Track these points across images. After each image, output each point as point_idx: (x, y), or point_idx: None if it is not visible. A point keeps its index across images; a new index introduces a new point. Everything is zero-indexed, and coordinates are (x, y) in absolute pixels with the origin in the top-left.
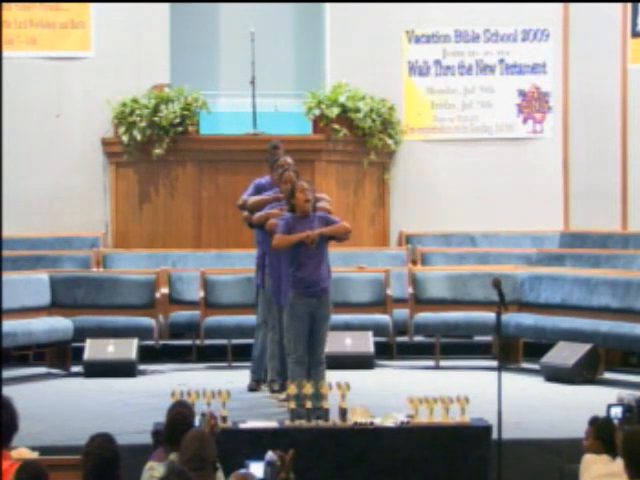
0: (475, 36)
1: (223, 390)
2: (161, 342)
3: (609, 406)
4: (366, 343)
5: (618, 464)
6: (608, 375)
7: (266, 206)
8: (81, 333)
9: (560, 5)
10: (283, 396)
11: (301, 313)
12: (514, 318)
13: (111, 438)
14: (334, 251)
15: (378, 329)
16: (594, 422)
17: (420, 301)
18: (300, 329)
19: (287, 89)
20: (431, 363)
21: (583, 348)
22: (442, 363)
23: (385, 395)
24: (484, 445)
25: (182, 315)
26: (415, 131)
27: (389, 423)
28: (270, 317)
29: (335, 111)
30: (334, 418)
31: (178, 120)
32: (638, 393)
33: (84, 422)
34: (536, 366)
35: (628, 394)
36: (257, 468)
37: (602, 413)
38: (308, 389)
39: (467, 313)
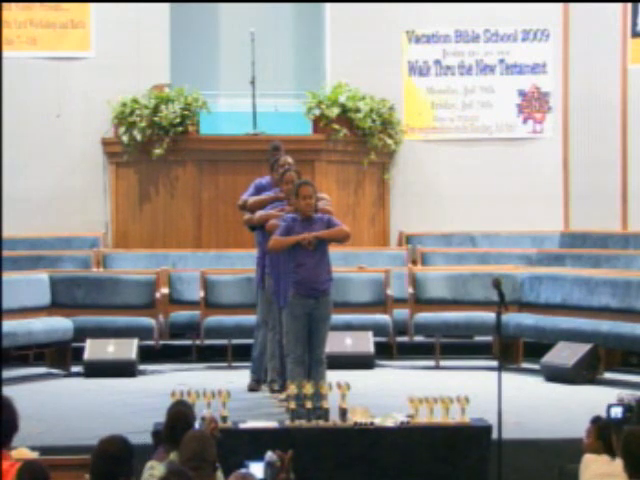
0: (475, 36)
1: (223, 390)
2: (161, 342)
3: (609, 406)
4: (366, 343)
5: (618, 464)
6: (608, 375)
7: (267, 206)
8: (81, 333)
9: (560, 5)
10: (283, 396)
11: (299, 313)
12: (514, 318)
13: (122, 438)
14: (334, 251)
15: (378, 329)
16: (596, 421)
17: (420, 301)
18: (299, 329)
19: (287, 89)
20: (431, 363)
21: (583, 348)
22: (442, 363)
23: (385, 395)
24: (484, 445)
25: (182, 315)
26: (415, 131)
27: (389, 423)
28: (270, 317)
29: (335, 111)
30: (334, 418)
31: (178, 120)
32: (638, 393)
33: (84, 422)
34: (536, 366)
35: (628, 394)
36: (257, 468)
37: (602, 413)
38: (308, 389)
39: (467, 313)
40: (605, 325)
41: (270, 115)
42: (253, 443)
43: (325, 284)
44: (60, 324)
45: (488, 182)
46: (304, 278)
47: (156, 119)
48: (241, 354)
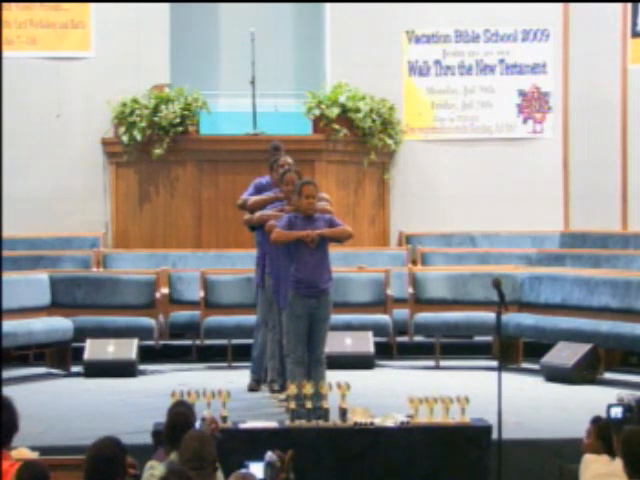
0: (475, 36)
1: (223, 390)
2: (161, 342)
3: (609, 406)
4: (366, 343)
5: (618, 464)
6: (608, 375)
7: (266, 206)
8: (81, 333)
9: (560, 5)
10: (283, 396)
11: (300, 313)
12: (514, 318)
13: (114, 440)
14: (334, 251)
15: (378, 329)
16: (596, 421)
17: (420, 301)
18: (299, 329)
19: (287, 89)
20: (431, 363)
21: (583, 348)
22: (442, 363)
23: (385, 395)
24: (484, 445)
25: (182, 315)
26: (415, 131)
27: (389, 423)
28: (270, 317)
29: (335, 111)
30: (334, 418)
31: (178, 120)
32: (638, 393)
33: (84, 422)
34: (536, 366)
35: (628, 394)
36: (257, 468)
37: (602, 413)
38: (308, 389)
39: (467, 313)
40: (605, 325)
41: (270, 115)
42: (253, 443)
43: (326, 283)
44: (60, 324)
45: (488, 182)
46: (305, 277)
47: (156, 119)
48: (241, 354)
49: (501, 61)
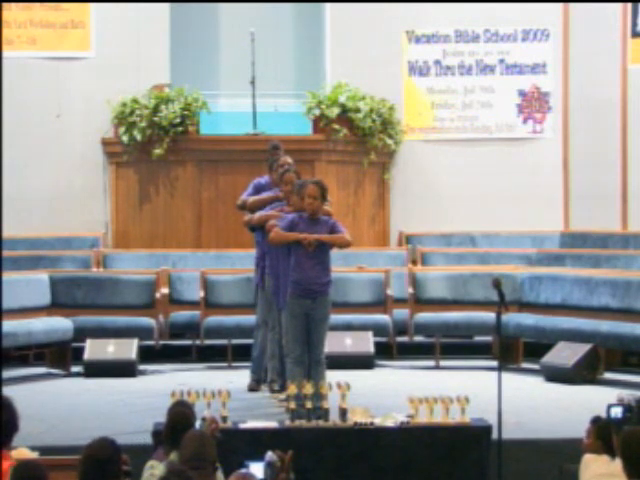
0: (475, 36)
1: (223, 390)
2: (161, 342)
3: (609, 406)
4: (366, 343)
5: (617, 464)
6: (608, 375)
7: (266, 206)
8: (81, 333)
9: (560, 5)
10: (283, 396)
11: (297, 313)
12: (514, 318)
13: (109, 440)
14: (334, 251)
15: (378, 329)
16: (596, 422)
17: (420, 301)
18: (297, 329)
19: (287, 89)
20: (431, 363)
21: (583, 348)
22: (442, 363)
23: (385, 395)
24: (484, 445)
25: (182, 315)
26: (415, 131)
27: (389, 423)
28: (270, 317)
29: (335, 111)
30: (334, 418)
31: (178, 120)
32: (638, 393)
33: (84, 422)
34: (536, 366)
35: (628, 394)
36: (257, 468)
37: (602, 413)
38: (308, 389)
39: (467, 313)
40: (605, 325)
41: (270, 115)
42: (253, 443)
43: (322, 286)
44: (60, 324)
45: (488, 182)
46: (301, 278)
47: (156, 119)
48: (241, 354)
49: (501, 61)
